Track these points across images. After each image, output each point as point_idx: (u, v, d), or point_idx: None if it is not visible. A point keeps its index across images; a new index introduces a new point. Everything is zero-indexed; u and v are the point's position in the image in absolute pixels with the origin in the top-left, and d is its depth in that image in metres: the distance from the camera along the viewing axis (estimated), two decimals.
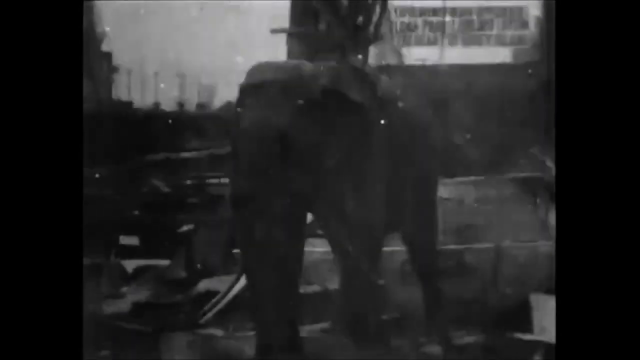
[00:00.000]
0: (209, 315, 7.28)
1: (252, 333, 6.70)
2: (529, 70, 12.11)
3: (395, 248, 7.55)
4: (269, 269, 6.25)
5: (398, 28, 13.13)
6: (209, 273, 8.29)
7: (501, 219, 9.18)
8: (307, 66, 6.55)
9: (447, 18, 13.01)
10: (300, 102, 6.27)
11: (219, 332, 7.10)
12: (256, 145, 6.14)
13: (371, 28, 11.79)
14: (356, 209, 6.37)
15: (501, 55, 12.91)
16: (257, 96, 6.28)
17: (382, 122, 6.55)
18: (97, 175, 10.01)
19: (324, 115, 6.30)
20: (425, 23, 13.15)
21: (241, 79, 6.51)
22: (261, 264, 6.26)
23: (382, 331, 6.61)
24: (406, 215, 6.94)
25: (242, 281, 7.33)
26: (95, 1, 11.39)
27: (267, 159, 6.12)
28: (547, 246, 8.37)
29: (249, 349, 6.47)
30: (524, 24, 13.01)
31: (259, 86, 6.32)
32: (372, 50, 12.17)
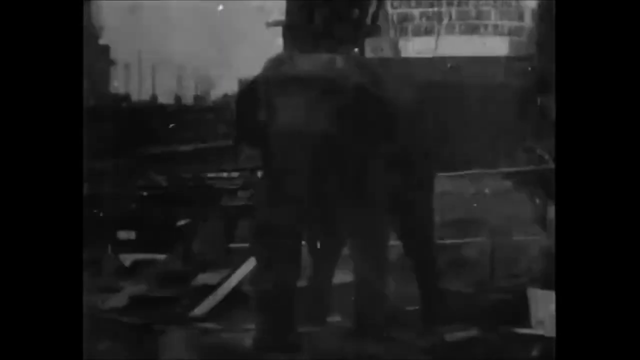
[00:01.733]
0: (205, 309, 7.30)
1: (250, 327, 6.70)
2: (529, 68, 12.12)
3: (392, 242, 7.56)
4: (280, 265, 6.05)
5: (394, 20, 13.12)
6: (206, 267, 8.30)
7: (498, 213, 9.19)
8: (336, 59, 6.05)
9: (444, 8, 13.02)
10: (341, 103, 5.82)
11: (216, 326, 7.09)
12: (294, 148, 5.71)
13: (367, 20, 11.80)
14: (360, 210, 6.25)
15: (498, 47, 12.93)
16: (289, 93, 5.79)
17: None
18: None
19: (359, 114, 5.93)
20: (422, 14, 13.14)
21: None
22: (276, 260, 6.05)
23: (380, 326, 6.61)
24: (404, 211, 6.90)
25: (239, 275, 7.34)
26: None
27: (306, 163, 5.70)
28: (544, 240, 8.39)
29: (247, 343, 6.47)
30: (520, 16, 13.02)
31: (290, 82, 5.83)
32: (369, 43, 12.17)
